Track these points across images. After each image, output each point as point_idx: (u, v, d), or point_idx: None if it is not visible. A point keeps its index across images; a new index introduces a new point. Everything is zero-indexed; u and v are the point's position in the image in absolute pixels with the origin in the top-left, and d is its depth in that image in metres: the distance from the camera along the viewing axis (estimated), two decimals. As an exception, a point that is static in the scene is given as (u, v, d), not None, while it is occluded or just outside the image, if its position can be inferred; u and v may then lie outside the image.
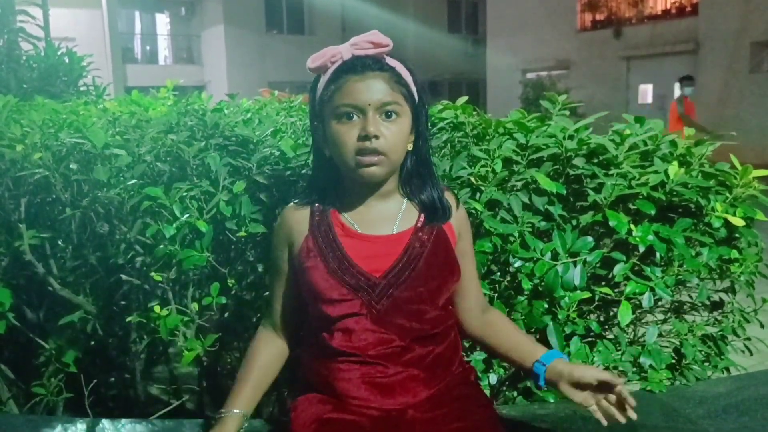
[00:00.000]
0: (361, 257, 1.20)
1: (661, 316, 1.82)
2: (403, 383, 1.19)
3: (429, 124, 1.29)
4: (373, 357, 1.18)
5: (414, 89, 1.20)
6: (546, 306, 1.61)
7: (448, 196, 1.29)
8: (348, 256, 1.20)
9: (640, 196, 1.63)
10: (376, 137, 1.13)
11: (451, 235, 1.27)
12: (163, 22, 22.74)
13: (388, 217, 1.24)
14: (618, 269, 1.62)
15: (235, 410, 1.24)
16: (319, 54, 1.19)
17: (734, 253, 1.71)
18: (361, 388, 1.18)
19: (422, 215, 1.25)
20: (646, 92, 16.13)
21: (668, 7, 15.85)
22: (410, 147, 1.22)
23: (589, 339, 1.68)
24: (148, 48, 22.58)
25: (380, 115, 1.15)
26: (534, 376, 1.25)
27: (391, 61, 1.19)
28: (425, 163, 1.26)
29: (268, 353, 1.32)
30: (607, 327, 1.77)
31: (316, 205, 1.26)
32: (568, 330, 1.62)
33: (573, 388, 1.19)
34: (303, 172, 1.64)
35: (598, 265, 1.64)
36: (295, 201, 1.29)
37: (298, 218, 1.26)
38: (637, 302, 1.64)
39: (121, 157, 1.66)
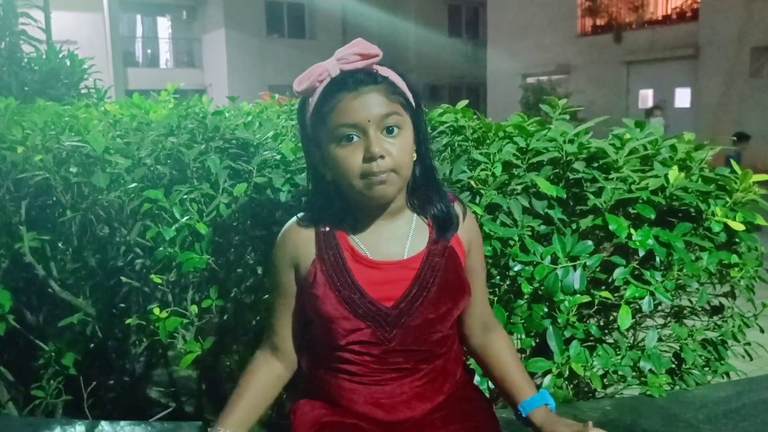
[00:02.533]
0: (371, 285, 1.14)
1: (661, 321, 1.82)
2: (409, 402, 1.17)
3: (428, 128, 1.23)
4: (380, 379, 1.16)
5: (410, 96, 1.13)
6: (546, 310, 1.61)
7: (457, 206, 1.23)
8: (359, 285, 1.13)
9: (640, 200, 1.63)
10: (382, 157, 1.05)
11: (460, 250, 1.21)
12: (164, 25, 22.80)
13: (398, 238, 1.17)
14: (618, 273, 1.62)
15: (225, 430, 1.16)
16: (305, 75, 1.10)
17: (734, 258, 1.71)
18: (366, 407, 1.17)
19: (433, 232, 1.19)
20: (647, 97, 16.15)
21: (669, 12, 15.88)
22: (415, 156, 1.14)
23: (589, 343, 1.68)
24: (149, 51, 22.62)
25: (382, 132, 1.07)
26: (517, 416, 1.25)
27: (383, 71, 1.11)
28: (429, 169, 1.19)
29: (265, 376, 1.24)
30: (606, 331, 1.77)
31: (321, 225, 1.17)
32: (567, 334, 1.61)
33: None
34: (303, 175, 1.64)
35: (597, 269, 1.64)
36: (299, 216, 1.21)
37: (303, 239, 1.17)
38: (637, 306, 1.64)
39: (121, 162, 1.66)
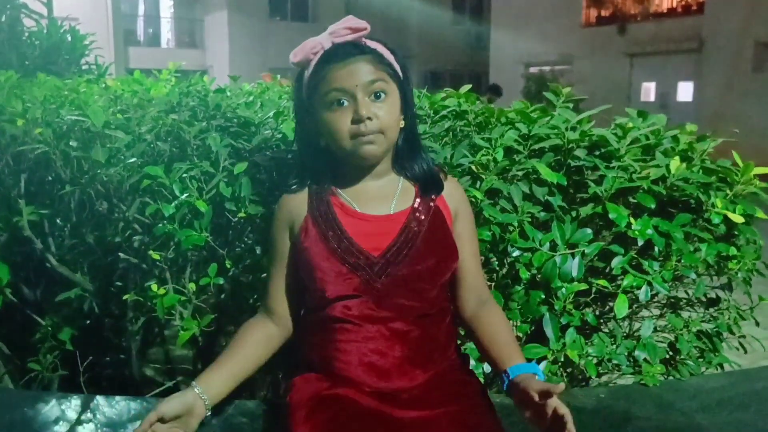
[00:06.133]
0: (360, 235, 1.21)
1: (657, 311, 1.83)
2: (401, 366, 1.19)
3: (414, 97, 1.30)
4: (371, 337, 1.19)
5: (397, 67, 1.22)
6: (543, 296, 1.61)
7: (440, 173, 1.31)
8: (348, 235, 1.21)
9: (641, 190, 1.63)
10: (370, 119, 1.15)
11: (447, 213, 1.28)
12: (166, 4, 22.62)
13: (385, 196, 1.25)
14: (616, 262, 1.62)
15: (196, 389, 1.17)
16: (299, 48, 1.20)
17: (732, 250, 1.71)
18: (359, 369, 1.18)
19: (418, 193, 1.26)
20: (649, 90, 16.08)
21: (674, 5, 15.79)
22: (402, 124, 1.24)
23: (585, 331, 1.68)
24: (150, 30, 22.46)
25: (369, 97, 1.16)
26: (501, 380, 1.22)
27: (372, 43, 1.21)
28: (414, 137, 1.29)
29: (255, 334, 1.28)
30: (603, 320, 1.77)
31: (314, 187, 1.27)
32: (564, 321, 1.62)
33: (524, 403, 1.13)
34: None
35: (596, 257, 1.64)
36: (292, 186, 1.29)
37: (297, 201, 1.27)
38: (634, 296, 1.64)
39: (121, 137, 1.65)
